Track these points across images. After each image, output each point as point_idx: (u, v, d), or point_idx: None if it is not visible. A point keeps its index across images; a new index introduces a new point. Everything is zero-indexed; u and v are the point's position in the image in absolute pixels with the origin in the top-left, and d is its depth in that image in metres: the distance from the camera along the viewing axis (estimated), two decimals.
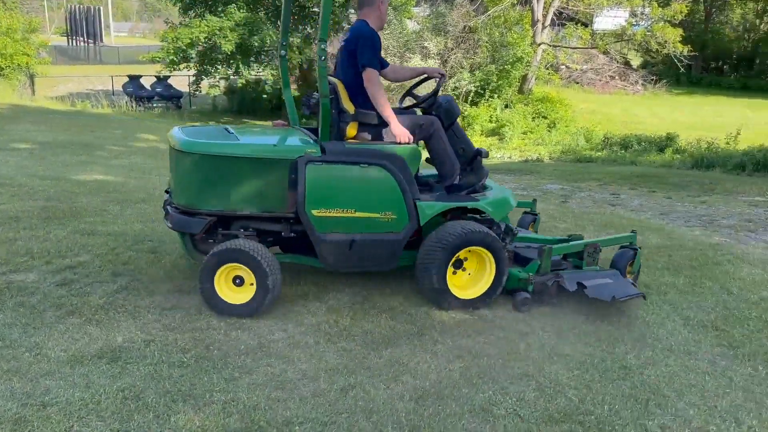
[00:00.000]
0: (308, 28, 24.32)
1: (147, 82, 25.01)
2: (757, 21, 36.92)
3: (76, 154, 8.67)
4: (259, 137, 4.15)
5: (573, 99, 24.32)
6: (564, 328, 3.73)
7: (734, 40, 37.49)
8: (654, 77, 27.64)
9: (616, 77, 26.98)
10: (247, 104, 26.62)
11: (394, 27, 21.00)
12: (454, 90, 20.89)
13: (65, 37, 55.51)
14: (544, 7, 23.27)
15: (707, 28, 36.09)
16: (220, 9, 22.06)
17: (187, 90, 26.38)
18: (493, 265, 3.87)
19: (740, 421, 2.84)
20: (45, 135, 10.18)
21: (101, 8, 52.55)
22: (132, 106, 19.59)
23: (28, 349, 2.97)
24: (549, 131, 20.34)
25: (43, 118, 12.66)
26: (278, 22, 23.94)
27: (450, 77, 20.96)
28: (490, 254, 3.84)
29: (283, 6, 4.47)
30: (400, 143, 3.81)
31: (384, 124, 3.90)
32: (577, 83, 28.53)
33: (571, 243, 4.47)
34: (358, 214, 3.68)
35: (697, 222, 7.49)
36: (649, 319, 3.96)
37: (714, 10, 36.68)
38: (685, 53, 22.45)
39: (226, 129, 4.05)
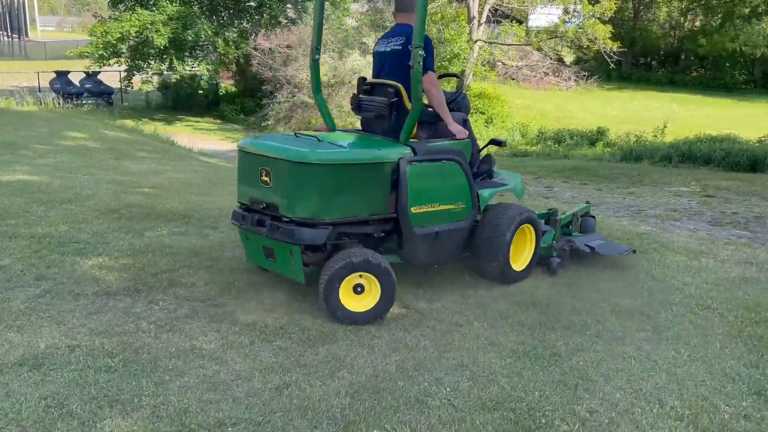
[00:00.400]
0: (244, 23, 23.91)
1: (76, 78, 24.02)
2: (682, 19, 38.73)
3: None
4: (353, 142, 4.07)
5: (509, 95, 24.85)
6: (497, 318, 3.81)
7: (661, 37, 39.21)
8: (586, 73, 28.57)
9: (550, 73, 27.73)
10: (182, 100, 26.00)
11: (332, 22, 20.90)
12: None
13: None
14: (480, 5, 23.66)
15: (636, 25, 37.59)
16: (151, 2, 21.39)
17: (119, 86, 25.48)
18: (534, 239, 4.52)
19: (663, 402, 2.97)
20: None
21: (26, 1, 50.03)
22: (59, 103, 18.75)
23: None
24: (486, 126, 20.74)
25: None
26: (213, 17, 23.45)
27: None
28: (533, 229, 4.48)
29: (315, 9, 4.47)
30: (459, 139, 4.15)
31: (434, 122, 4.18)
32: (513, 79, 29.18)
33: (567, 213, 5.35)
34: (440, 207, 3.96)
35: (625, 212, 7.79)
36: (578, 307, 4.09)
37: (642, 8, 38.24)
38: (615, 50, 23.30)
39: (305, 136, 3.84)
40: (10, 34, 47.14)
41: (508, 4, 25.84)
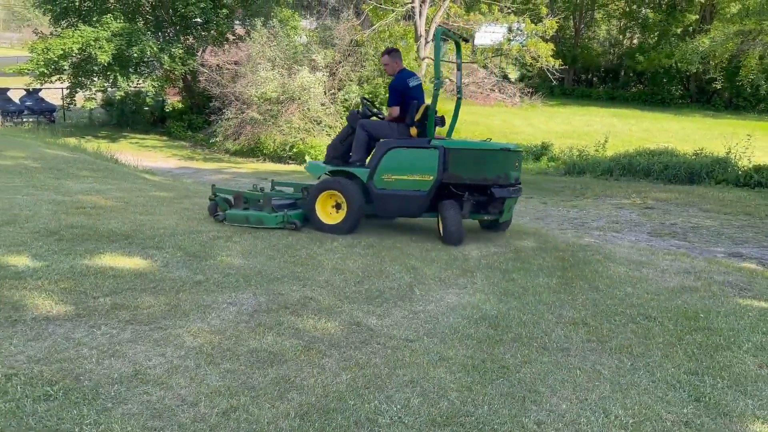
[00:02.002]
0: (190, 39, 23.64)
1: (16, 95, 23.19)
2: (621, 36, 40.34)
3: None
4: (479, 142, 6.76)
5: None
6: (447, 333, 3.85)
7: (601, 55, 40.73)
8: (530, 90, 29.32)
9: (496, 90, 28.33)
10: (127, 117, 25.44)
11: (281, 39, 20.86)
12: (343, 102, 21.05)
13: None
14: (426, 23, 24.05)
15: (577, 43, 38.96)
16: (95, 19, 20.90)
17: (61, 103, 24.72)
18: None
19: (608, 412, 3.05)
20: None
21: None
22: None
23: None
24: None
25: None
26: (159, 33, 23.07)
27: (338, 90, 21.11)
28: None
29: (434, 45, 6.36)
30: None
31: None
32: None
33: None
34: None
35: (569, 225, 8.01)
36: (525, 319, 4.18)
37: (582, 26, 39.69)
38: (557, 67, 24.01)
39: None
40: None
41: (454, 23, 26.37)
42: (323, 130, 20.25)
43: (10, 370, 2.97)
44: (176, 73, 22.50)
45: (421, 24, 23.69)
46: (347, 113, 7.67)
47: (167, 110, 26.11)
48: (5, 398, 2.73)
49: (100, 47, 19.84)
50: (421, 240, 6.34)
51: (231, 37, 23.49)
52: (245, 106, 20.10)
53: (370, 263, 5.31)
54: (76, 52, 20.26)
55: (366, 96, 20.97)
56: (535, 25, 24.20)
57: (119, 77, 21.11)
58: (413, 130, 6.36)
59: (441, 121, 6.60)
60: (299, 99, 20.04)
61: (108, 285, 4.20)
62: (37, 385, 2.85)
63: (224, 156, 20.55)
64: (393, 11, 23.60)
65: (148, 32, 21.76)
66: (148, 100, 24.40)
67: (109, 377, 2.99)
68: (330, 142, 6.92)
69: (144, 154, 18.98)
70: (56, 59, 20.35)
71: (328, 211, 6.36)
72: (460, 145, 6.28)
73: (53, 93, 24.66)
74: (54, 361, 3.10)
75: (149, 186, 10.02)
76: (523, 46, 24.03)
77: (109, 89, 23.10)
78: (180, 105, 26.46)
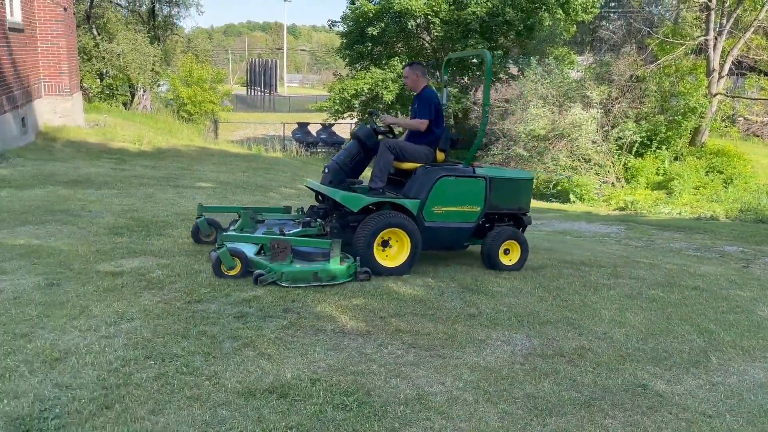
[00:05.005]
0: (465, 79, 24.78)
1: (313, 129, 26.85)
2: None
3: (252, 194, 9.43)
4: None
5: (753, 153, 22.19)
6: (756, 414, 3.28)
7: None
8: None
9: None
10: None
11: (555, 76, 20.68)
12: (617, 140, 19.98)
13: (245, 87, 61.47)
14: (722, 57, 21.67)
15: None
16: (384, 62, 23.23)
17: (349, 137, 27.88)
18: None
19: None
20: (225, 175, 11.22)
21: (277, 61, 57.66)
22: (300, 151, 21.08)
23: (208, 378, 3.19)
24: (725, 187, 18.64)
25: (223, 159, 13.98)
26: (436, 73, 24.68)
27: (612, 127, 20.12)
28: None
29: (485, 72, 5.83)
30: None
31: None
32: (757, 136, 26.02)
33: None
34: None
35: None
36: None
37: None
38: None
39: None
40: (263, 89, 54.58)
41: (755, 56, 23.34)
42: (591, 168, 19.44)
43: (314, 375, 3.33)
44: (449, 111, 23.78)
45: (715, 58, 21.45)
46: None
47: None
48: (310, 401, 3.05)
49: (386, 87, 22.00)
50: (715, 299, 5.60)
51: (503, 76, 24.05)
52: (512, 143, 20.31)
53: (655, 319, 4.84)
54: (366, 91, 22.72)
55: (644, 134, 19.60)
56: None
57: (400, 114, 23.07)
58: (440, 155, 5.85)
59: (456, 143, 6.08)
60: (568, 136, 19.58)
61: (392, 307, 4.50)
62: (336, 393, 3.14)
63: None
64: (683, 45, 21.78)
65: (429, 73, 23.42)
66: None
67: (396, 397, 3.17)
68: (330, 162, 5.87)
69: None
70: (349, 98, 23.10)
71: (378, 250, 5.34)
72: (499, 174, 6.01)
73: (343, 128, 27.94)
74: (349, 372, 3.39)
75: None
76: None
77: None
78: None
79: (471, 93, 23.09)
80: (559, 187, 19.05)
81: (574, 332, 4.37)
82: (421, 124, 5.71)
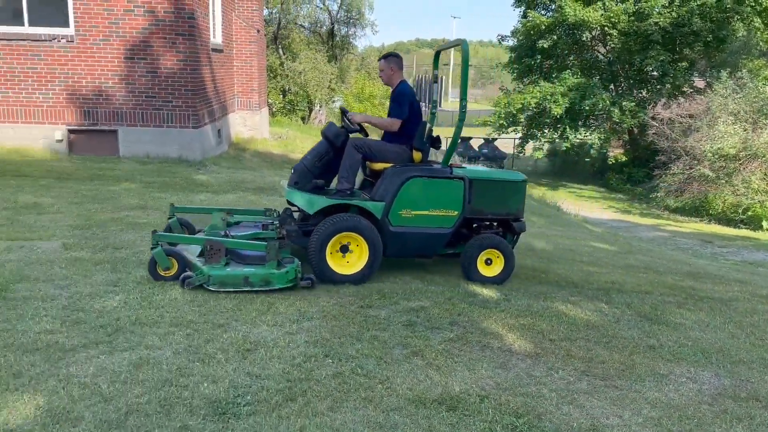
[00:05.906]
0: (643, 93, 23.34)
1: (475, 143, 26.82)
2: None
3: None
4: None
5: None
6: None
7: None
8: None
9: None
10: (568, 167, 26.52)
11: (749, 90, 18.70)
12: None
13: None
14: None
15: None
16: (554, 75, 22.60)
17: (511, 152, 27.43)
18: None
19: None
20: None
21: (443, 77, 58.61)
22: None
23: (381, 381, 3.30)
24: None
25: None
26: (611, 86, 23.49)
27: None
28: None
29: (462, 67, 5.24)
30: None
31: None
32: None
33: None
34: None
35: None
36: None
37: None
38: None
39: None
40: (428, 103, 55.72)
41: None
42: None
43: (482, 391, 3.30)
44: (623, 126, 22.49)
45: None
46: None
47: (609, 162, 26.28)
48: (479, 417, 3.03)
49: (555, 101, 21.33)
50: None
51: (688, 90, 22.24)
52: (695, 162, 18.70)
53: None
54: (533, 106, 22.22)
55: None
56: None
57: (568, 129, 22.27)
58: (417, 155, 5.33)
59: (437, 141, 5.61)
60: (763, 156, 17.60)
61: (562, 330, 4.34)
62: (505, 413, 3.08)
63: (662, 212, 19.46)
64: None
65: (602, 87, 22.37)
66: (592, 152, 25.00)
67: (569, 425, 3.04)
68: (297, 163, 5.32)
69: (581, 204, 19.45)
70: (515, 112, 22.75)
71: (337, 256, 4.93)
72: (482, 175, 5.47)
73: (506, 143, 27.56)
74: (518, 393, 3.32)
75: (591, 236, 10.16)
76: None
77: (556, 140, 24.58)
78: (623, 158, 26.31)
79: (650, 108, 21.58)
80: (750, 213, 17.17)
81: None
82: (393, 123, 5.27)
